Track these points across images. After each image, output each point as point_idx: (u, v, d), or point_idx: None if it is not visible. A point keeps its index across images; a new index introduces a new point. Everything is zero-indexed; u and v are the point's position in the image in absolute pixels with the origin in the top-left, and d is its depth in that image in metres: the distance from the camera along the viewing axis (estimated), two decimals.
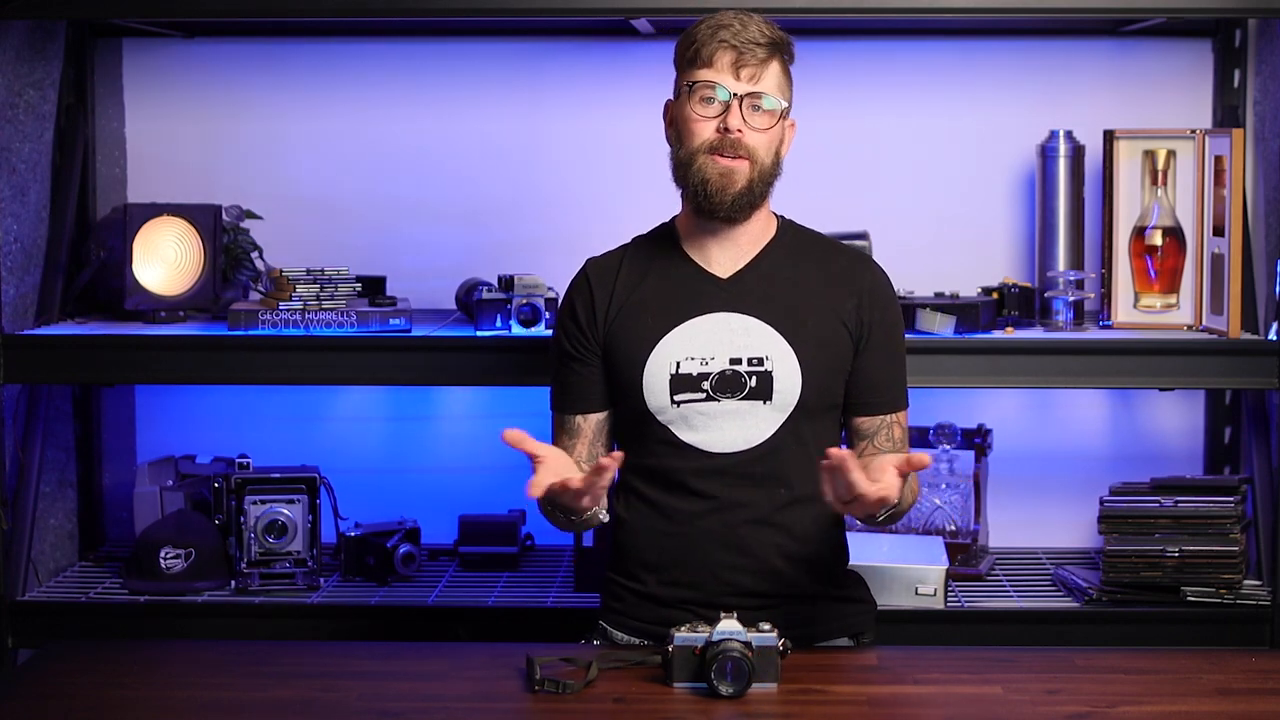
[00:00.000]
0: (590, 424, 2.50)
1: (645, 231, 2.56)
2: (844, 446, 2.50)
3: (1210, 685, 2.19)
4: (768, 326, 2.42)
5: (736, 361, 2.41)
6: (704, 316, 2.43)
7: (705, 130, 2.38)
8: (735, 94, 2.37)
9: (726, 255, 2.47)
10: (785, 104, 2.41)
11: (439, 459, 3.57)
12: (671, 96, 2.46)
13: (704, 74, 2.38)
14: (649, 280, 2.48)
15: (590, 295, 2.49)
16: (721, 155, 2.37)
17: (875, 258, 2.66)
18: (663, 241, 2.51)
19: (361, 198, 3.53)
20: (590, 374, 2.48)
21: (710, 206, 2.40)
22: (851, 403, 2.48)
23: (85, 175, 3.41)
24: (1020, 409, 3.53)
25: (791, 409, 2.40)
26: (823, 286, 2.46)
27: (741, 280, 2.46)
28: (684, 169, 2.41)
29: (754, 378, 2.40)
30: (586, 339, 2.48)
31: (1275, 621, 3.04)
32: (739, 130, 2.37)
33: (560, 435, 2.51)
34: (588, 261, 2.54)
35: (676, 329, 2.43)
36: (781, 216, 2.53)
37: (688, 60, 2.41)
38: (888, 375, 2.47)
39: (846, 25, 3.42)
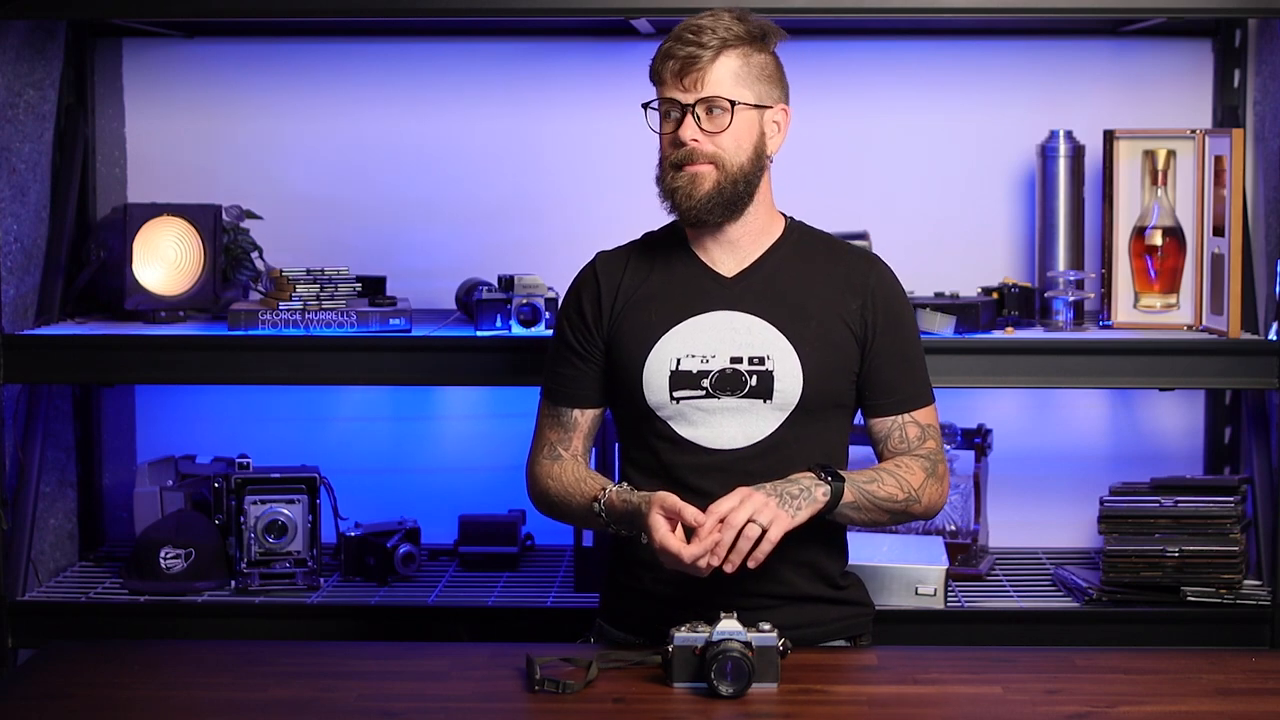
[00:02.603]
0: (587, 419, 2.51)
1: (654, 229, 2.56)
2: (850, 446, 2.51)
3: (1210, 685, 2.19)
4: (770, 326, 2.42)
5: (737, 360, 2.41)
6: (706, 314, 2.44)
7: (668, 146, 2.41)
8: (685, 105, 2.38)
9: (731, 255, 2.47)
10: (748, 99, 2.39)
11: (439, 459, 3.57)
12: None
13: (660, 91, 2.41)
14: (654, 277, 2.48)
15: (597, 289, 2.49)
16: (682, 166, 2.39)
17: (876, 254, 2.66)
18: (670, 239, 2.52)
19: (361, 198, 3.53)
20: (591, 369, 2.49)
21: (682, 214, 2.42)
22: (865, 405, 2.48)
23: (85, 175, 3.41)
24: (1020, 409, 3.53)
25: (792, 408, 2.40)
26: (827, 287, 2.46)
27: (745, 279, 2.46)
28: (660, 185, 2.44)
29: (754, 376, 2.40)
30: (591, 334, 2.48)
31: (1275, 621, 3.04)
32: (694, 140, 2.38)
33: (553, 427, 2.51)
34: (598, 254, 2.55)
35: (678, 326, 2.43)
36: (790, 217, 2.53)
37: (652, 78, 2.44)
38: (898, 376, 2.46)
39: (846, 25, 3.42)
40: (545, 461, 2.50)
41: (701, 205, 2.40)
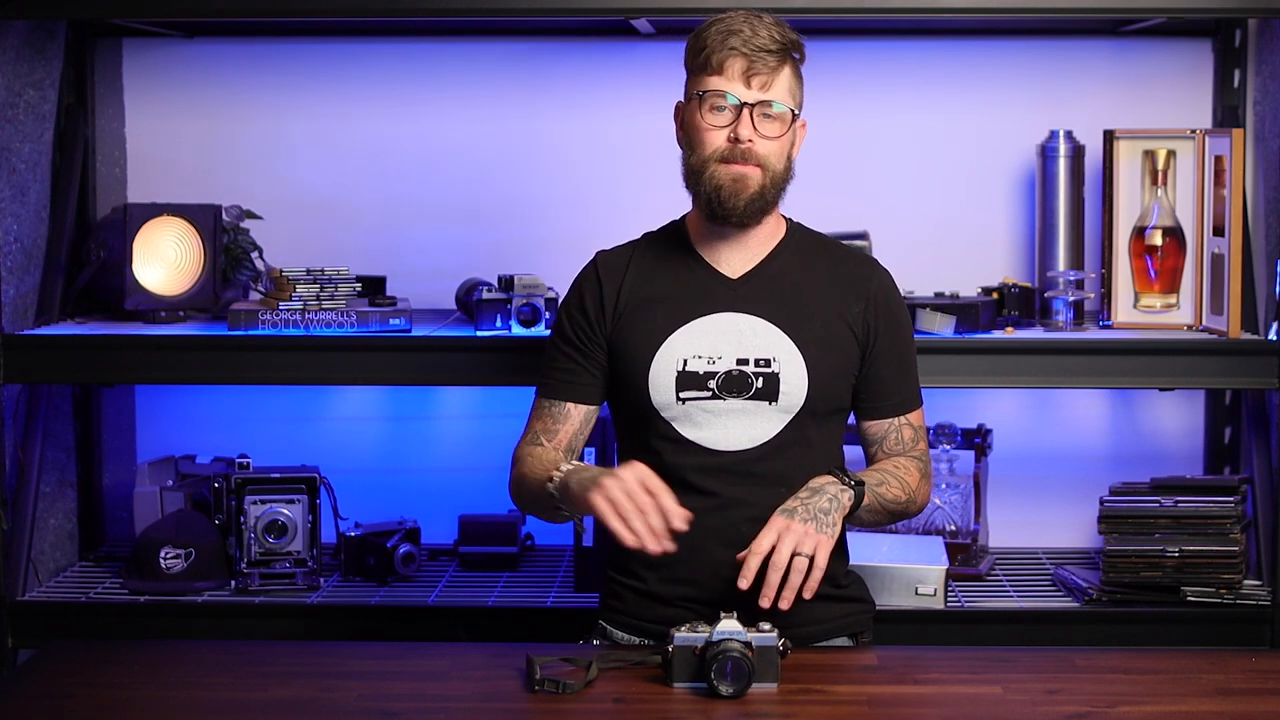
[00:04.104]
0: (580, 414, 2.49)
1: (654, 229, 2.56)
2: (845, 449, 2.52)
3: (1210, 685, 2.19)
4: (775, 328, 2.42)
5: (744, 362, 2.41)
6: (712, 316, 2.44)
7: (716, 139, 2.38)
8: (746, 103, 2.37)
9: (736, 256, 2.47)
10: (796, 109, 2.41)
11: (439, 459, 3.57)
12: (681, 99, 2.46)
13: (714, 82, 2.37)
14: (658, 278, 2.48)
15: (599, 287, 2.49)
16: (732, 163, 2.38)
17: (875, 257, 2.67)
18: (673, 240, 2.52)
19: (361, 198, 3.53)
20: (589, 365, 2.48)
21: (723, 213, 2.40)
22: (860, 407, 2.49)
23: (85, 175, 3.41)
24: (1020, 409, 3.53)
25: (797, 410, 2.41)
26: (830, 289, 2.46)
27: (751, 281, 2.46)
28: (696, 177, 2.41)
29: (760, 378, 2.40)
30: (592, 329, 2.48)
31: (1275, 621, 3.04)
32: (749, 140, 2.37)
33: (541, 418, 2.49)
34: (598, 254, 2.54)
35: (685, 327, 2.43)
36: (789, 219, 2.54)
37: (698, 66, 2.40)
38: (896, 379, 2.47)
39: (846, 25, 3.42)
40: (525, 446, 2.48)
41: (746, 207, 2.39)
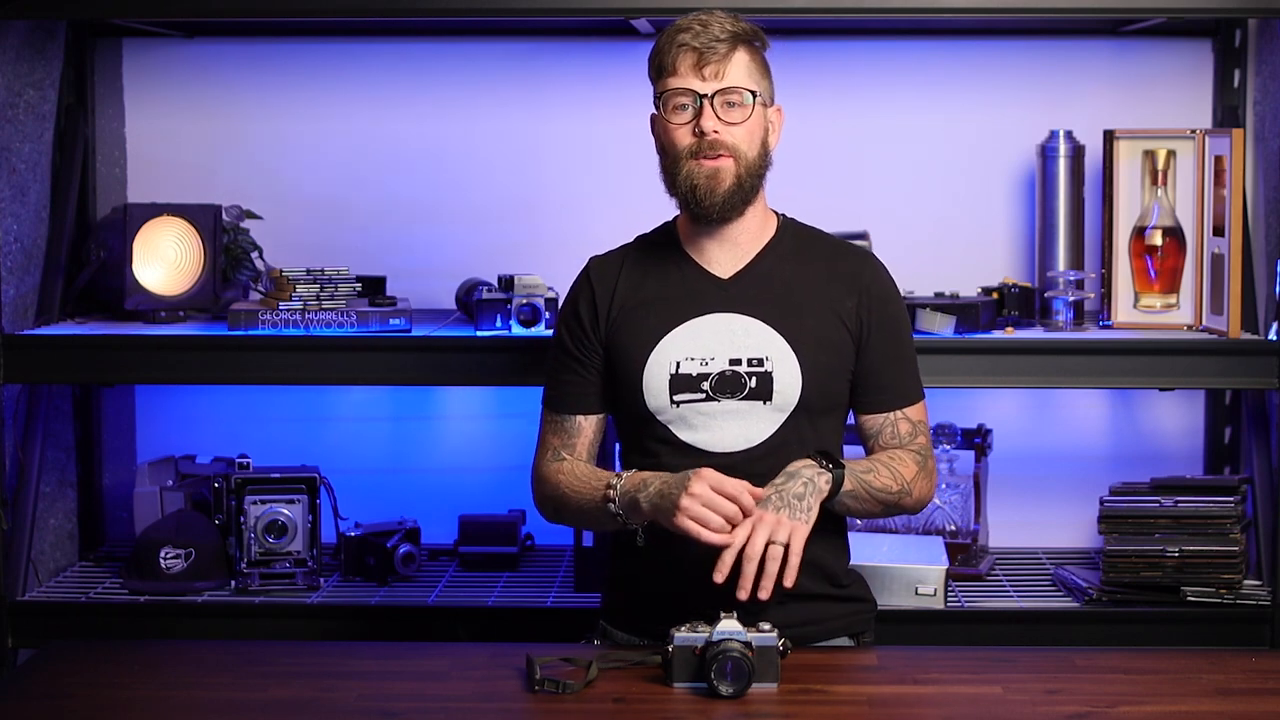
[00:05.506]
0: (590, 425, 2.50)
1: (648, 230, 2.56)
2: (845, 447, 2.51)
3: (1210, 685, 2.19)
4: (768, 327, 2.42)
5: (736, 362, 2.41)
6: (704, 317, 2.44)
7: (683, 136, 2.39)
8: (703, 95, 2.37)
9: (726, 255, 2.47)
10: (757, 93, 2.41)
11: (439, 459, 3.57)
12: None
13: (671, 82, 2.39)
14: (650, 280, 2.48)
15: (592, 295, 2.49)
16: (703, 158, 2.38)
17: (870, 251, 2.67)
18: (664, 241, 2.52)
19: (361, 198, 3.53)
20: (591, 375, 2.49)
21: (702, 210, 2.41)
22: (856, 401, 2.48)
23: (85, 175, 3.41)
24: (1020, 409, 3.53)
25: (792, 409, 2.41)
26: (823, 286, 2.46)
27: (741, 281, 2.46)
28: (671, 178, 2.42)
29: (754, 378, 2.40)
30: (589, 339, 2.48)
31: (1275, 621, 3.04)
32: (714, 130, 2.37)
33: (556, 433, 2.50)
34: (591, 260, 2.55)
35: (677, 329, 2.43)
36: (782, 215, 2.53)
37: (655, 71, 2.43)
38: (891, 372, 2.47)
39: (846, 25, 3.42)
40: (551, 463, 2.49)
41: (725, 201, 2.40)
